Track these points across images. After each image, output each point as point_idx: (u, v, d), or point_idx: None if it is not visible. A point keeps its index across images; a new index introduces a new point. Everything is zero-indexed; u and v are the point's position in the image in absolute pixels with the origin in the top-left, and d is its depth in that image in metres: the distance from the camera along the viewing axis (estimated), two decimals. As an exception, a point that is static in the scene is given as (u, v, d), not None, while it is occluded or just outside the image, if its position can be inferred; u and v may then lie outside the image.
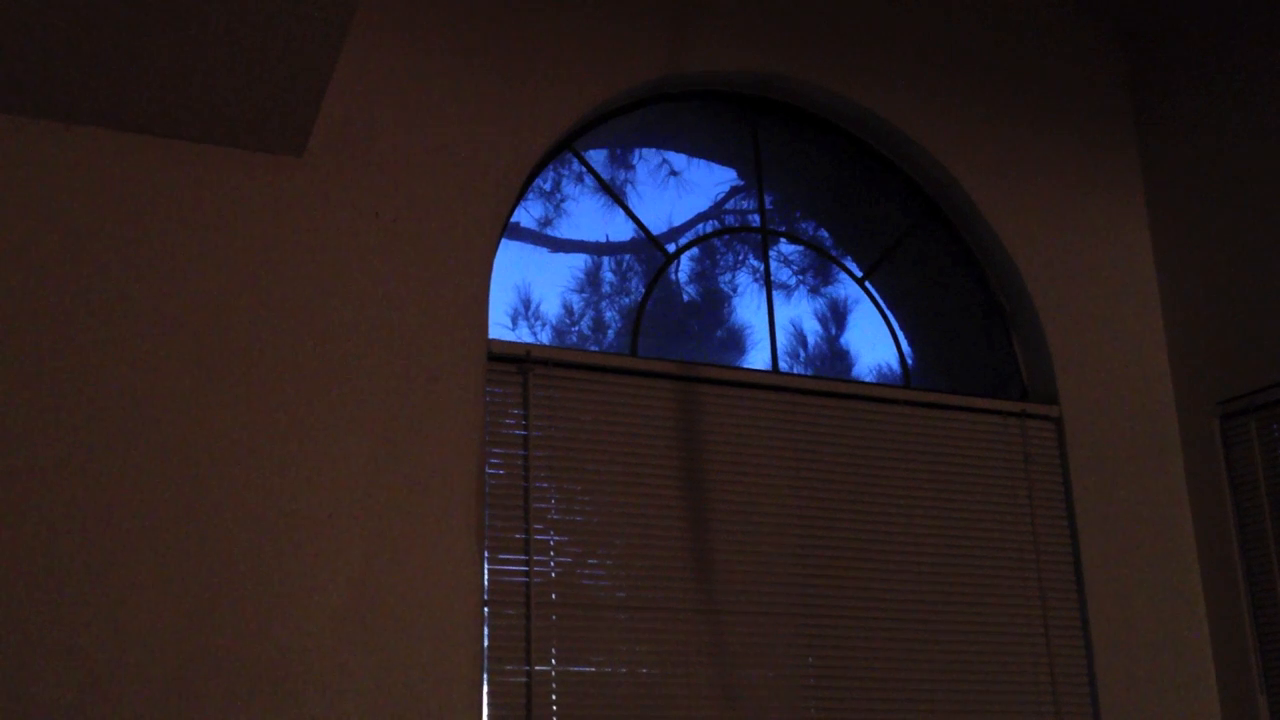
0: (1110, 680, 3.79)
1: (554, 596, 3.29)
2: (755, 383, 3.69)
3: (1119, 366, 4.13)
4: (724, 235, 3.97)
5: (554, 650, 3.24)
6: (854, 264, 4.11)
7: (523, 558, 3.28)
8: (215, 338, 3.07)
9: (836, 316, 4.14)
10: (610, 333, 3.81)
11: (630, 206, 3.87)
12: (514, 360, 3.42)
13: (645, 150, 3.97)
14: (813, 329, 4.09)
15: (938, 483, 3.81)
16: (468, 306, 3.35)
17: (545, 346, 3.50)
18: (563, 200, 3.84)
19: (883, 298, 4.10)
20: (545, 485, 3.37)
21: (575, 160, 3.80)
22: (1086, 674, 3.81)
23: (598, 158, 3.88)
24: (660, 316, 3.90)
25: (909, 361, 4.06)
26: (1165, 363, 4.19)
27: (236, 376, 3.06)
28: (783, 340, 3.92)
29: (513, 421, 3.38)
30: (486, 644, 3.18)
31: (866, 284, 4.10)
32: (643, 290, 3.83)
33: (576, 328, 3.88)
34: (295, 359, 3.13)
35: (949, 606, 3.71)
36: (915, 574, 3.70)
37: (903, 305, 4.14)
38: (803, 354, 4.05)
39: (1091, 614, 3.85)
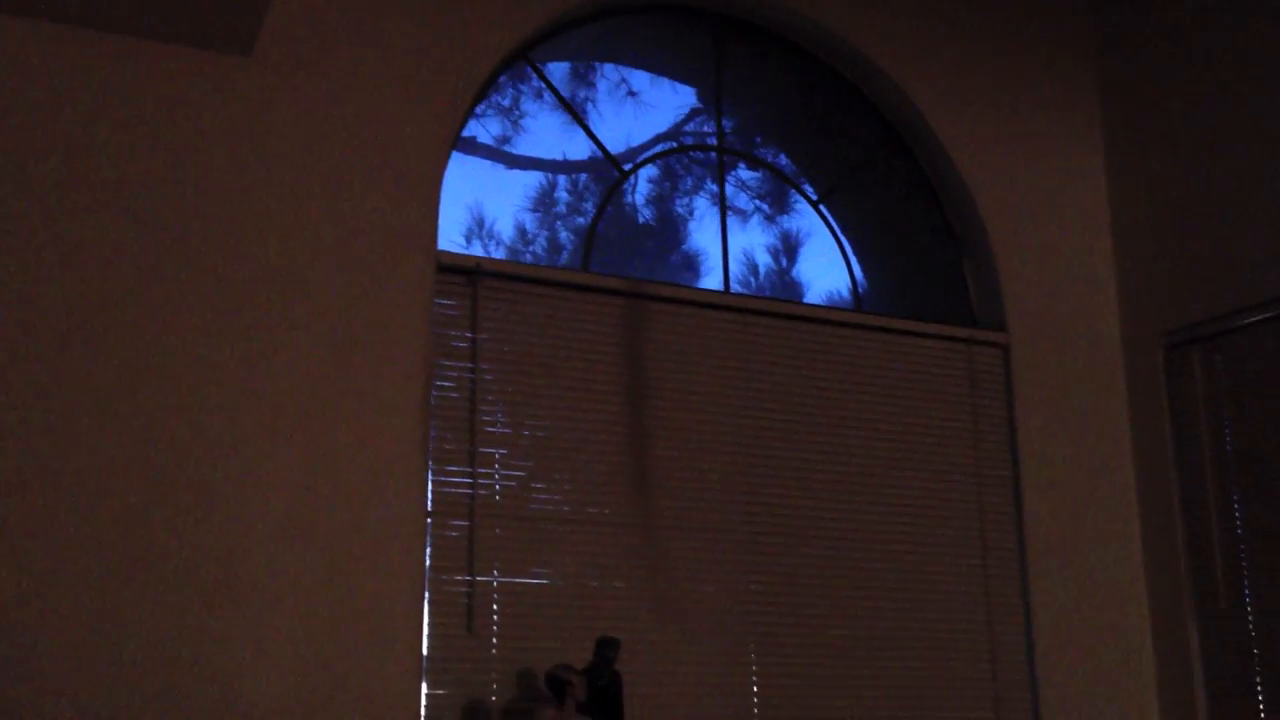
0: (1043, 597, 3.86)
1: (497, 508, 3.30)
2: (706, 302, 3.69)
3: (1068, 296, 4.16)
4: (681, 154, 3.95)
5: (496, 561, 3.26)
6: (811, 189, 4.10)
7: (467, 469, 3.29)
8: (157, 239, 3.03)
9: (789, 248, 4.14)
10: (564, 255, 3.79)
11: (590, 125, 3.83)
12: (463, 272, 3.40)
13: (605, 67, 3.92)
14: (765, 261, 4.09)
15: (885, 406, 3.84)
16: (418, 215, 3.32)
17: (495, 260, 3.48)
18: (521, 117, 3.80)
19: (838, 223, 4.09)
20: (492, 398, 3.37)
21: (535, 76, 3.75)
22: (1020, 590, 3.88)
23: (557, 72, 3.83)
24: (615, 237, 3.88)
25: (861, 287, 4.07)
26: (1113, 293, 4.22)
27: (179, 280, 3.03)
28: (735, 269, 3.92)
29: (461, 333, 3.37)
30: (429, 554, 3.19)
31: (821, 207, 4.10)
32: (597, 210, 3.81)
33: (530, 248, 3.86)
34: (239, 262, 3.10)
35: (890, 526, 3.75)
36: (858, 494, 3.74)
37: (858, 230, 4.14)
38: (753, 282, 4.05)
39: (1028, 534, 3.91)
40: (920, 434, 3.87)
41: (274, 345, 3.09)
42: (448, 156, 3.43)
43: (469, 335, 3.37)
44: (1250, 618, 3.72)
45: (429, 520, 3.20)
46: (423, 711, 3.07)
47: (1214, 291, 3.90)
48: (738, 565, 3.53)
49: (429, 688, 3.11)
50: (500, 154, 3.77)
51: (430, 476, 3.24)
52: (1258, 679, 3.67)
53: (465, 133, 3.63)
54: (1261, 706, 3.65)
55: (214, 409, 2.99)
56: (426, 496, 3.21)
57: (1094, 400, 4.10)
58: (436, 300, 3.33)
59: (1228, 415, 3.87)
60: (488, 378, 3.37)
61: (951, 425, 3.91)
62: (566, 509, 3.38)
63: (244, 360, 3.05)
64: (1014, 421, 3.98)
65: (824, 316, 3.84)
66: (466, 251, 3.51)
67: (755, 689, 3.46)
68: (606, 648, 3.06)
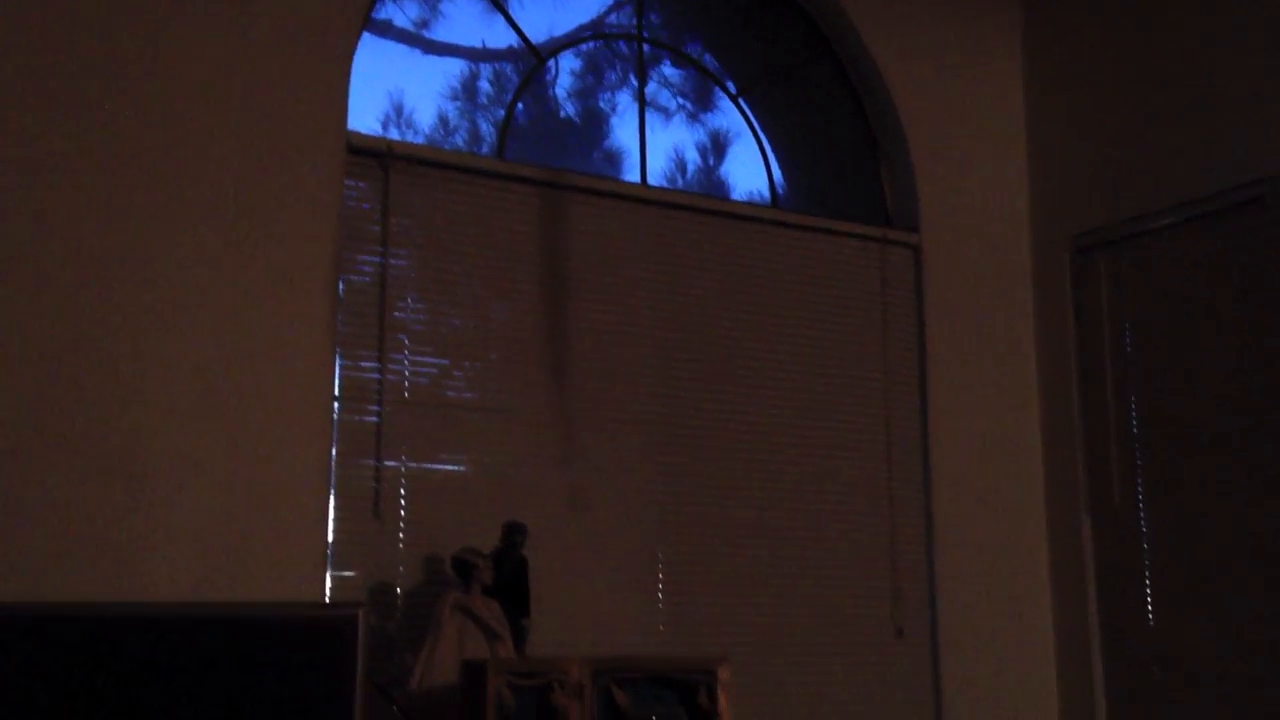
0: (944, 492, 3.95)
1: (406, 395, 3.29)
2: (624, 194, 3.67)
3: (981, 199, 4.20)
4: (605, 50, 3.90)
5: (405, 448, 3.26)
6: (734, 87, 4.07)
7: (375, 354, 3.26)
8: (58, 115, 2.92)
9: (717, 147, 4.13)
10: (484, 147, 3.74)
11: (510, 12, 3.76)
12: (374, 154, 3.33)
13: (529, -48, 3.84)
14: (692, 159, 4.08)
15: (798, 304, 3.87)
16: (327, 92, 3.23)
17: (408, 143, 3.42)
18: (439, 0, 3.72)
19: (759, 122, 4.08)
20: (404, 285, 3.33)
21: (453, -42, 3.66)
22: (922, 486, 3.95)
23: (476, -46, 3.75)
24: (536, 130, 3.84)
25: (779, 186, 4.07)
26: (1025, 196, 4.26)
27: (81, 157, 2.93)
28: (661, 164, 3.91)
29: (372, 218, 3.31)
30: (335, 439, 3.17)
31: (742, 103, 4.07)
32: (519, 102, 3.76)
33: (451, 139, 3.81)
34: (142, 135, 3.00)
35: (799, 421, 3.80)
36: (769, 389, 3.77)
37: (779, 129, 4.13)
38: (680, 181, 4.04)
39: (932, 431, 3.98)
40: (832, 332, 3.90)
41: (177, 220, 3.01)
42: (360, 29, 3.34)
43: (380, 220, 3.32)
44: (1142, 515, 3.84)
45: (336, 405, 3.18)
46: (327, 595, 3.08)
47: (1122, 197, 3.96)
48: (649, 458, 3.56)
49: (334, 571, 3.12)
50: (418, 39, 3.69)
51: (338, 361, 3.20)
52: (1147, 575, 3.80)
53: (381, 15, 3.54)
54: (1150, 601, 3.78)
55: (115, 287, 2.93)
56: (334, 381, 3.18)
57: (1002, 301, 4.17)
58: (347, 182, 3.27)
59: (1129, 319, 3.95)
60: (400, 264, 3.33)
61: (862, 324, 3.96)
62: (478, 398, 3.37)
63: (146, 236, 2.97)
64: (923, 320, 4.03)
65: (741, 212, 3.84)
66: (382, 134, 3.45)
67: (661, 578, 3.52)
68: (514, 533, 3.08)
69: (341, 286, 3.23)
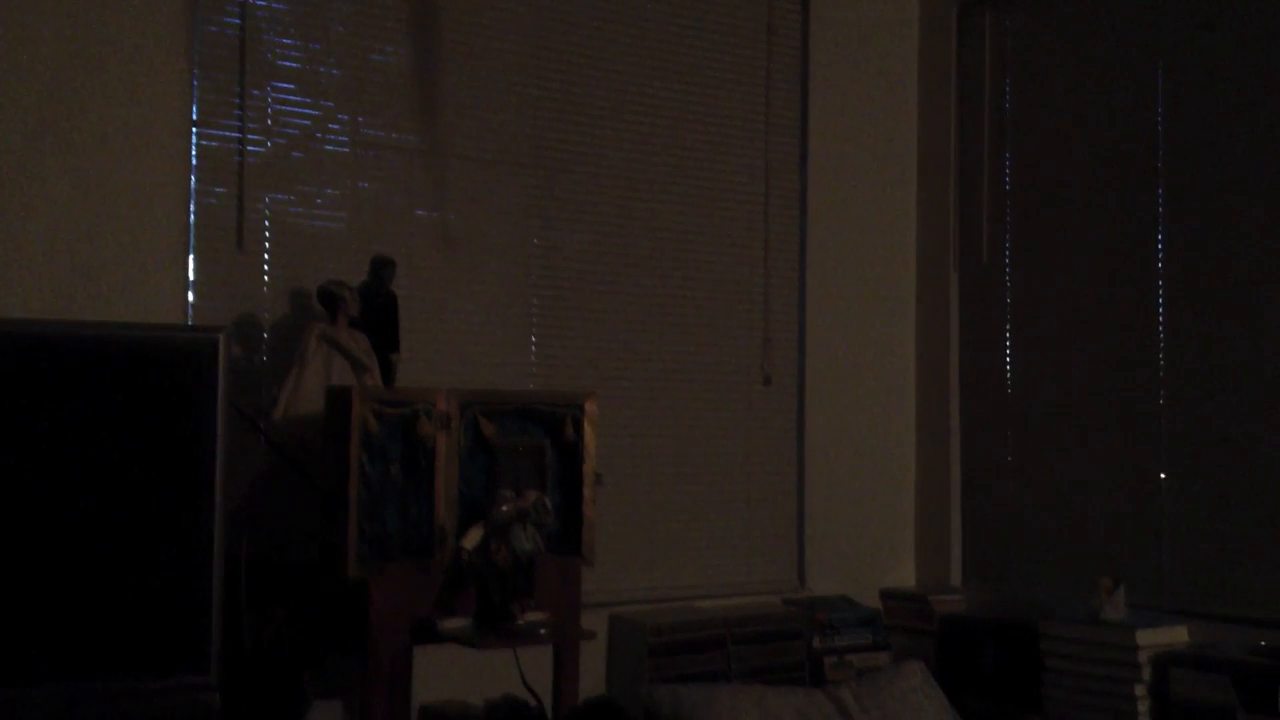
0: (818, 247, 3.98)
1: (270, 124, 3.16)
2: (499, -79, 3.50)
3: (872, -52, 4.12)
4: None
5: (270, 181, 3.15)
6: None
7: (237, 79, 3.10)
8: None
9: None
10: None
11: None
12: None
13: None
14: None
15: (682, 49, 3.77)
16: None
17: None
18: None
19: None
20: (267, 15, 3.15)
21: None
22: (798, 237, 3.97)
23: None
24: None
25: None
26: (916, -53, 4.20)
27: None
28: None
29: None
30: (195, 168, 3.05)
31: None
32: None
33: None
34: None
35: (677, 168, 3.76)
36: (648, 135, 3.71)
37: None
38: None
39: (810, 182, 3.99)
40: (716, 80, 3.82)
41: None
42: None
43: (240, -64, 3.12)
44: (1008, 273, 3.93)
45: (194, 131, 3.05)
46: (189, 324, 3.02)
47: (1013, -49, 3.91)
48: (523, 197, 3.50)
49: (196, 301, 3.05)
50: None
51: (195, 87, 3.05)
52: (1008, 328, 3.92)
53: None
54: (1009, 355, 3.91)
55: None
56: (191, 107, 3.04)
57: (886, 55, 4.13)
58: (201, -110, 3.05)
59: (1010, 78, 3.95)
60: (261, -14, 3.15)
61: (747, 72, 3.88)
62: (347, 133, 3.26)
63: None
64: (806, 71, 3.98)
65: (626, -51, 3.71)
66: None
67: (534, 319, 3.52)
68: (381, 267, 3.03)
69: (198, 13, 3.05)
